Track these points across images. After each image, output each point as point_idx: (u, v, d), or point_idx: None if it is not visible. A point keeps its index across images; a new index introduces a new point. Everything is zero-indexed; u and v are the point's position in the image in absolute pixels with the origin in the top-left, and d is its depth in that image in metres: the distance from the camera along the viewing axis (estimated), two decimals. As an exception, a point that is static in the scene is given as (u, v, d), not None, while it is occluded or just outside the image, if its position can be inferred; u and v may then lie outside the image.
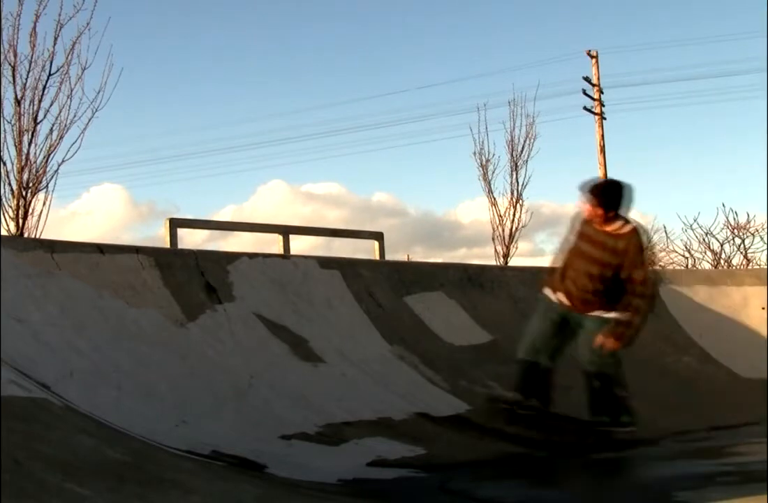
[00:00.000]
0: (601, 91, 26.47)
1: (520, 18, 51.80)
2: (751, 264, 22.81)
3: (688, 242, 24.36)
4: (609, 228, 4.93)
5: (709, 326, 8.50)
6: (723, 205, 28.06)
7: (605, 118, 26.27)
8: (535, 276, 8.34)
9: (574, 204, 4.86)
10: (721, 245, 23.64)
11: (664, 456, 4.92)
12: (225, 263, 6.03)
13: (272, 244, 9.32)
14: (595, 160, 25.81)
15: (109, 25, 10.48)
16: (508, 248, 15.55)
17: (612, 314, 4.95)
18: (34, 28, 9.47)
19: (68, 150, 9.41)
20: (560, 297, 5.13)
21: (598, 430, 5.11)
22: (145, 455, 3.26)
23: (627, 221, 4.95)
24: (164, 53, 56.64)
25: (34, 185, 9.18)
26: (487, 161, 15.72)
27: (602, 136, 25.95)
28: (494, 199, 15.85)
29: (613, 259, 4.89)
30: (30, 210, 9.16)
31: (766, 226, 22.89)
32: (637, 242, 4.90)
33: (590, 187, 4.95)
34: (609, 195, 4.89)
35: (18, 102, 9.22)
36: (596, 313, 5.01)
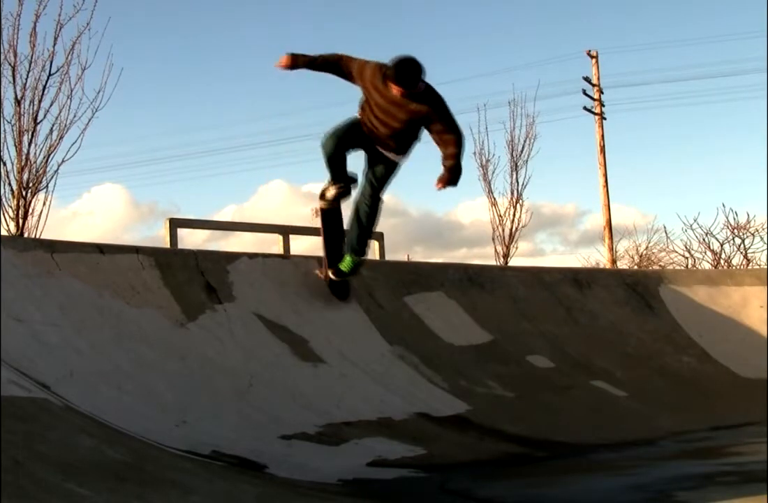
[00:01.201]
0: (601, 91, 26.47)
1: (520, 18, 51.86)
2: (751, 264, 22.83)
3: (688, 242, 24.40)
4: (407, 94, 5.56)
5: (709, 326, 8.50)
6: (723, 205, 28.17)
7: (605, 118, 26.27)
8: (535, 276, 8.36)
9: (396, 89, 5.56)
10: (721, 245, 23.67)
11: (664, 456, 4.92)
12: (225, 263, 6.03)
13: (272, 244, 9.33)
14: (595, 160, 25.83)
15: (109, 25, 10.48)
16: (508, 248, 15.55)
17: (392, 156, 5.98)
18: (34, 28, 9.47)
19: (68, 150, 9.41)
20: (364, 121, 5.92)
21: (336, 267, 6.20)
22: (145, 455, 3.27)
23: (423, 87, 5.59)
24: (164, 53, 56.65)
25: (34, 185, 9.18)
26: (487, 161, 15.73)
27: (602, 136, 25.95)
28: (494, 199, 15.86)
29: (413, 116, 5.65)
30: (30, 210, 9.15)
31: (766, 226, 22.94)
32: (433, 102, 5.61)
33: (391, 74, 5.44)
34: (408, 75, 5.46)
35: (18, 102, 9.21)
36: (386, 151, 5.95)
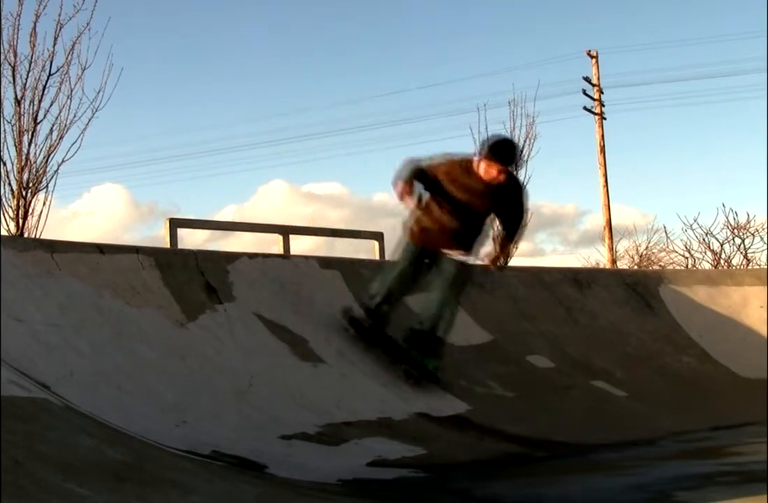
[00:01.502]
0: (601, 91, 26.48)
1: (520, 18, 51.77)
2: (751, 264, 22.85)
3: (688, 242, 24.41)
4: (487, 177, 5.45)
5: (709, 326, 8.50)
6: (723, 205, 28.18)
7: (605, 118, 26.28)
8: (535, 276, 8.36)
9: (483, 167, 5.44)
10: (721, 245, 23.68)
11: (664, 456, 4.92)
12: (225, 263, 6.03)
13: (272, 244, 9.33)
14: (595, 160, 25.84)
15: (109, 25, 10.49)
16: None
17: (463, 258, 5.64)
18: (34, 28, 9.49)
19: (68, 150, 9.42)
20: (417, 233, 5.69)
21: (408, 361, 5.74)
22: (145, 455, 3.27)
23: (506, 172, 5.50)
24: (164, 53, 56.57)
25: (34, 185, 9.19)
26: (488, 161, 15.72)
27: (602, 136, 25.96)
28: (494, 199, 15.85)
29: (489, 203, 5.57)
30: (30, 210, 9.16)
31: (766, 226, 22.96)
32: (512, 188, 5.60)
33: (489, 153, 5.39)
34: (507, 152, 5.51)
35: (18, 102, 9.22)
36: (451, 254, 5.64)
